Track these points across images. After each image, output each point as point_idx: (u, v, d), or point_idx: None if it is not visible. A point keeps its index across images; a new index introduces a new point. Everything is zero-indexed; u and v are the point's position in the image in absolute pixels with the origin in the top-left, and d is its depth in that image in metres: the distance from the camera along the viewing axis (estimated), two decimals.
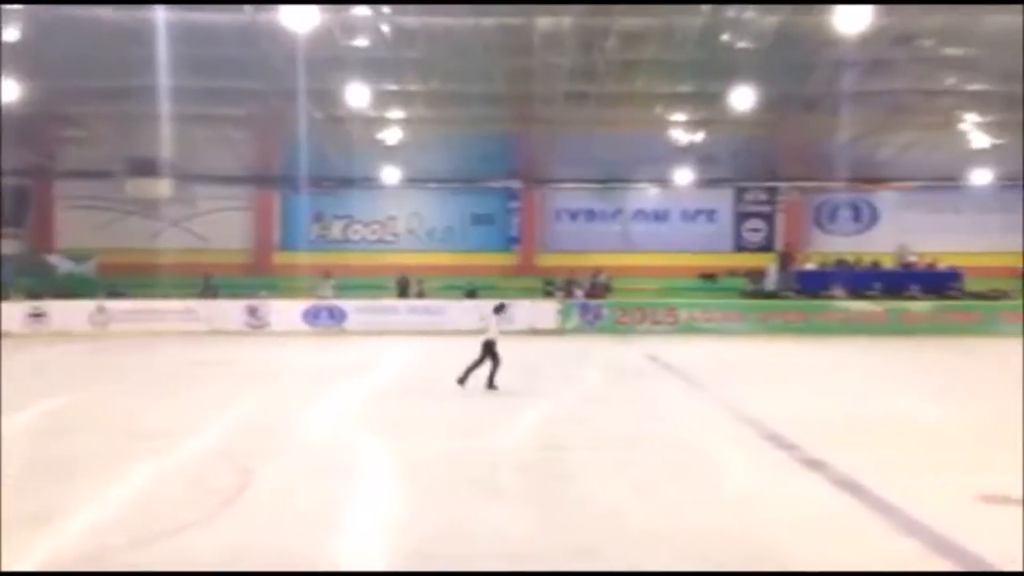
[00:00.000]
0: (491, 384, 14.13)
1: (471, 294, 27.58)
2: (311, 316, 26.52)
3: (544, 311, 26.47)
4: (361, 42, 20.02)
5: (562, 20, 18.69)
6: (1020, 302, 26.18)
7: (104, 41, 20.16)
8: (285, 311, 26.48)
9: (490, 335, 14.46)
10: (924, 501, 7.83)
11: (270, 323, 26.19)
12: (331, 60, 21.52)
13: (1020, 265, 28.21)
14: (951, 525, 7.12)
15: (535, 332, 25.46)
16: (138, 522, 7.16)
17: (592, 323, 26.24)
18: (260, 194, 30.46)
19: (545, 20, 18.83)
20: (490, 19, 18.95)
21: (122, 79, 23.13)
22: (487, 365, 14.26)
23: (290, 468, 9.13)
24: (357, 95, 23.51)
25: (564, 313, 26.43)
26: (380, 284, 28.02)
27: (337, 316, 26.45)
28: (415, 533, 6.97)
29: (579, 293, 27.57)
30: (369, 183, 29.54)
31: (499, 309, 15.12)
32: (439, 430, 11.31)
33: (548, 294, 27.98)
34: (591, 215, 30.99)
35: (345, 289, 27.62)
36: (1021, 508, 7.63)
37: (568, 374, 16.89)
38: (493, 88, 23.96)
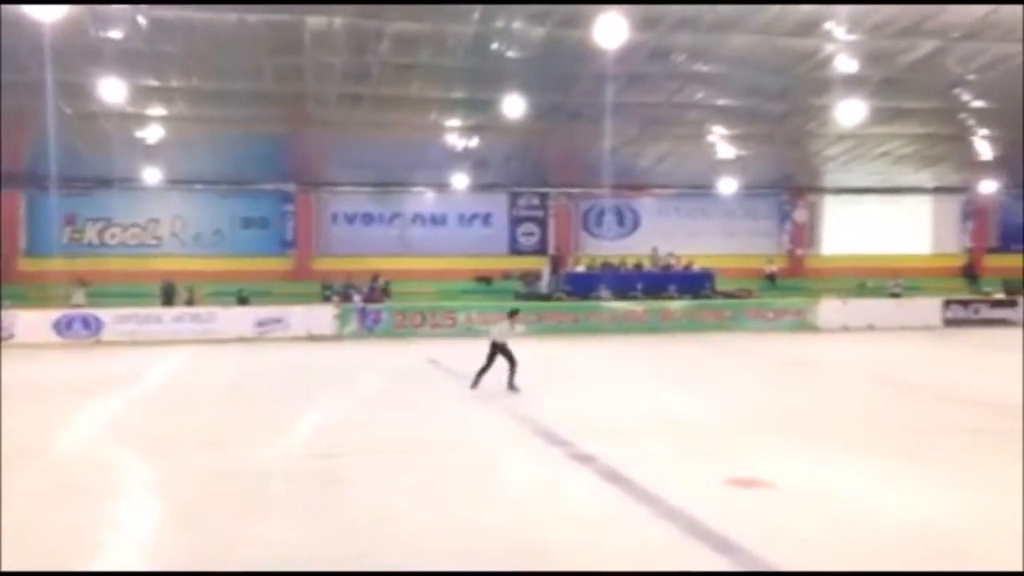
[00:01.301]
0: (511, 385, 14.22)
1: (243, 300, 26.53)
2: (63, 326, 24.44)
3: (321, 317, 25.93)
4: (115, 34, 18.70)
5: (333, 20, 18.38)
6: (764, 300, 28.69)
7: None
8: (32, 322, 24.23)
9: (497, 337, 14.40)
10: (681, 488, 8.35)
11: (14, 335, 23.87)
12: (83, 52, 19.95)
13: (764, 267, 30.96)
14: (705, 509, 7.64)
15: (313, 338, 24.88)
16: None
17: (371, 328, 26.00)
18: (3, 194, 27.71)
19: (315, 19, 18.44)
20: (255, 16, 18.29)
21: None
22: (492, 368, 14.25)
23: (37, 489, 8.37)
24: (112, 90, 21.92)
25: (342, 318, 26.02)
26: (144, 291, 26.30)
27: (92, 326, 24.54)
28: (173, 552, 6.59)
29: (357, 298, 27.24)
30: (128, 184, 27.65)
31: (513, 313, 15.20)
32: (204, 442, 10.73)
33: (326, 299, 27.43)
34: (369, 219, 30.72)
35: (102, 297, 25.69)
36: (766, 489, 8.33)
37: (345, 380, 16.61)
38: (262, 87, 23.15)
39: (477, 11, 18.14)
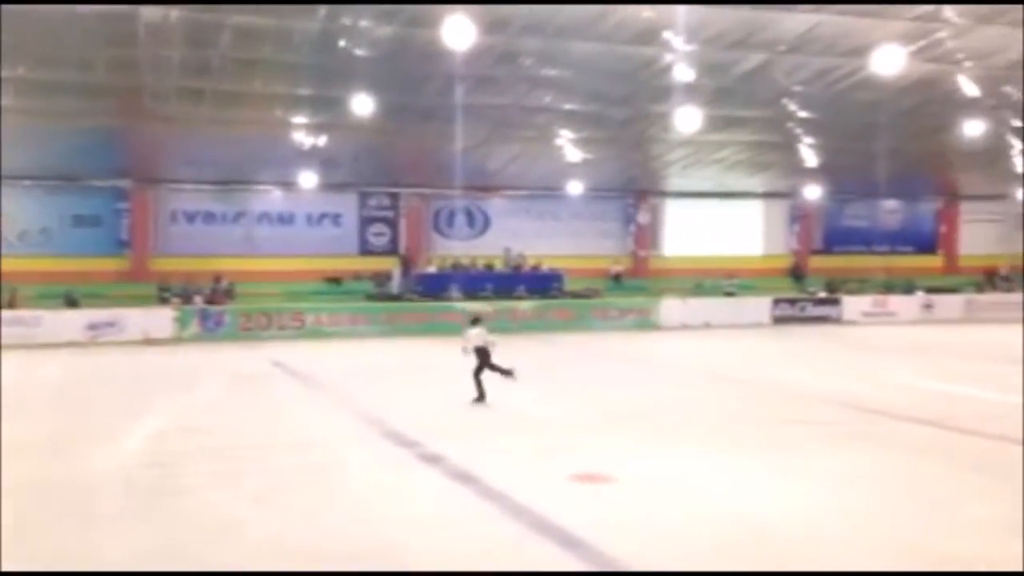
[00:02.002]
0: (508, 373, 13.78)
1: (72, 302, 25.04)
2: None
3: (159, 319, 24.79)
4: None
5: (169, 12, 17.61)
6: (610, 300, 29.55)
7: None
8: None
9: (477, 343, 13.69)
10: (528, 485, 8.51)
11: None
12: None
13: (610, 267, 31.88)
14: (551, 505, 7.81)
15: (149, 342, 23.76)
16: None
17: (213, 330, 25.08)
18: None
19: (150, 11, 17.60)
20: (85, 6, 17.29)
21: None
22: (486, 369, 13.69)
23: None
24: None
25: (181, 321, 24.96)
26: None
27: None
28: None
29: (198, 299, 26.21)
30: None
31: (475, 322, 14.29)
32: (30, 452, 10.07)
33: (163, 301, 26.23)
34: (211, 218, 29.60)
35: None
36: (609, 483, 8.60)
37: (184, 384, 15.95)
38: (95, 78, 21.88)
39: (323, 7, 17.81)
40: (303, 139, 25.94)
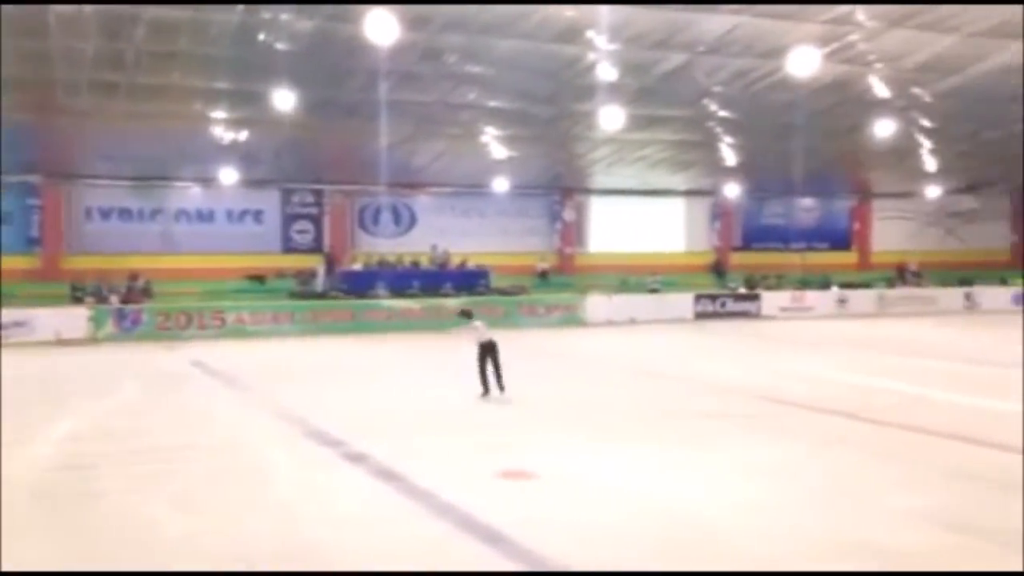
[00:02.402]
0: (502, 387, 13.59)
1: None
2: None
3: (72, 319, 23.96)
4: None
5: (83, 5, 17.06)
6: (536, 296, 29.70)
7: None
8: None
9: (482, 338, 13.54)
10: (454, 483, 8.50)
11: None
12: None
13: (536, 264, 32.04)
14: (476, 502, 7.83)
15: (62, 342, 22.97)
16: None
17: (130, 330, 24.37)
18: None
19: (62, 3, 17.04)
20: None
21: None
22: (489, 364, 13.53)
23: None
24: None
25: (96, 320, 24.20)
26: None
27: None
28: None
29: (114, 298, 25.45)
30: None
31: (469, 315, 14.21)
32: None
33: (77, 300, 25.40)
34: (127, 214, 28.77)
35: None
36: (534, 479, 8.65)
37: (99, 386, 15.50)
38: (3, 71, 21.03)
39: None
40: (223, 134, 25.41)
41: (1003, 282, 34.65)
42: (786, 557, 6.45)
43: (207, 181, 28.39)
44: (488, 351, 13.57)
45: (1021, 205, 37.35)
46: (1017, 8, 18.83)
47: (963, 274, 34.69)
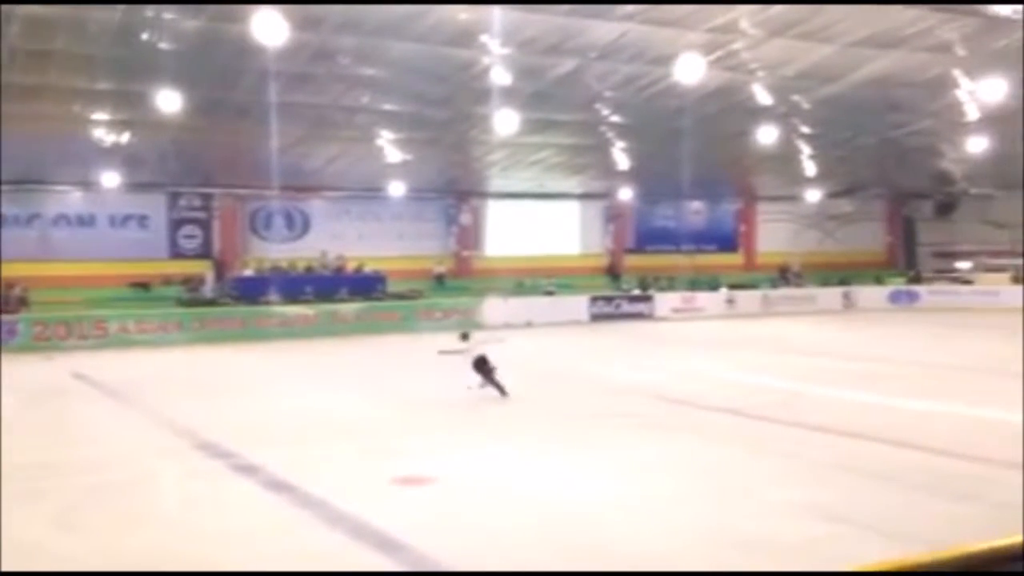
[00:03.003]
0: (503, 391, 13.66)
1: None
2: None
3: None
4: None
5: None
6: (433, 300, 29.62)
7: None
8: None
9: (475, 352, 13.73)
10: (349, 491, 8.41)
11: None
12: None
13: (433, 268, 31.96)
14: (371, 510, 7.76)
15: None
16: None
17: (5, 341, 23.14)
18: None
19: None
20: None
21: None
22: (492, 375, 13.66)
23: None
24: None
25: None
26: None
27: None
28: None
29: None
30: None
31: (466, 337, 14.25)
32: None
33: None
34: (1, 220, 27.34)
35: None
36: (430, 484, 8.63)
37: None
38: None
39: None
40: (104, 136, 24.43)
41: (878, 281, 36.43)
42: (671, 551, 6.63)
43: (88, 185, 27.26)
44: (478, 367, 13.67)
45: (894, 208, 39.32)
46: (890, 19, 19.86)
47: (841, 274, 36.33)
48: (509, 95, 21.88)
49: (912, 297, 34.70)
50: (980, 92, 23.18)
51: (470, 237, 33.51)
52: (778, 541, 6.78)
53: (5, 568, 6.25)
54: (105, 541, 7.09)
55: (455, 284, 31.86)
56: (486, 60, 20.81)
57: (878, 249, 39.80)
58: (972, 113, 25.52)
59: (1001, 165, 31.88)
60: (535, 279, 32.09)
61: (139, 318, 25.13)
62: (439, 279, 31.89)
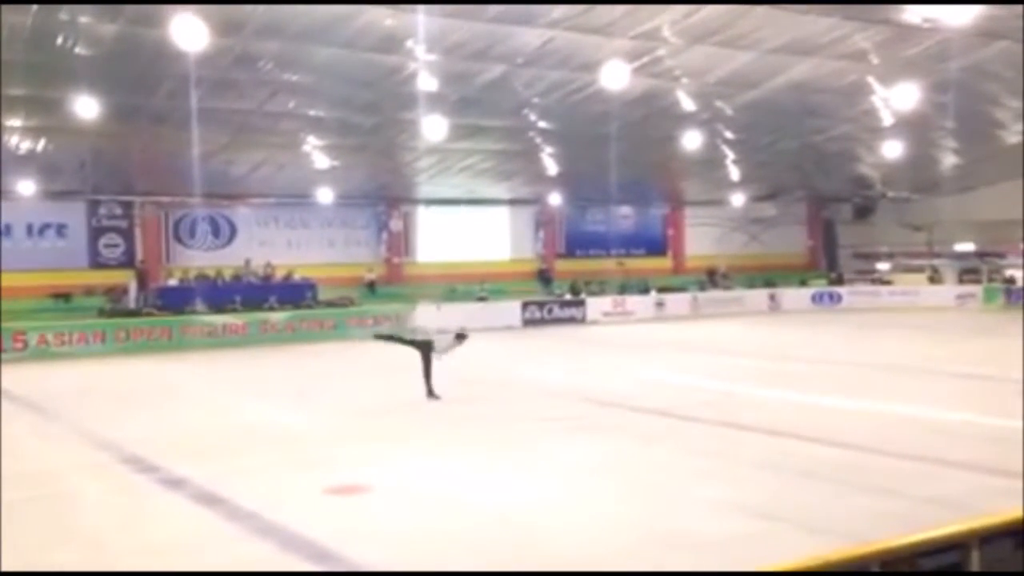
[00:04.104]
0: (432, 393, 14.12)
1: None
2: None
3: None
4: None
5: None
6: (365, 308, 29.37)
7: None
8: None
9: (437, 346, 14.26)
10: (279, 502, 8.30)
11: None
12: None
13: (364, 275, 31.70)
14: (302, 520, 7.68)
15: None
16: None
17: None
18: None
19: None
20: None
21: None
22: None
23: None
24: None
25: None
26: None
27: None
28: None
29: None
30: None
31: (461, 337, 14.67)
32: None
33: None
34: None
35: None
36: (363, 493, 8.56)
37: None
38: None
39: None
40: (19, 143, 23.67)
41: (802, 283, 37.37)
42: (605, 552, 6.70)
43: (3, 193, 26.34)
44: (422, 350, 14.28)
45: (815, 211, 40.40)
46: (807, 27, 20.42)
47: (767, 276, 37.17)
48: (437, 101, 21.85)
49: (834, 298, 35.68)
50: (894, 99, 23.98)
51: (401, 244, 33.35)
52: (704, 538, 6.92)
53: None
54: (30, 559, 6.86)
55: (387, 291, 31.68)
56: (412, 66, 20.75)
57: (801, 251, 40.82)
58: (887, 119, 26.43)
59: (916, 169, 33.09)
60: (467, 285, 32.08)
61: (59, 330, 24.37)
62: (370, 286, 31.66)
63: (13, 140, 23.45)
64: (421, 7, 17.53)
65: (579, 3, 18.48)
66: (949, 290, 34.72)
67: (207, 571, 6.26)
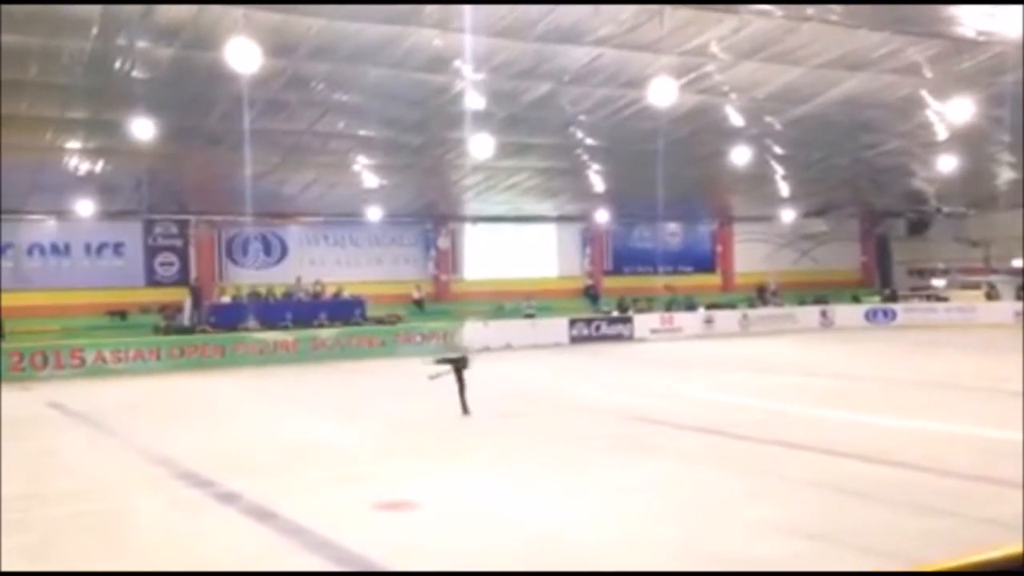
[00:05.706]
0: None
1: None
2: None
3: None
4: None
5: None
6: (413, 324, 29.59)
7: None
8: None
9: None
10: (329, 517, 8.37)
11: None
12: None
13: (412, 292, 31.94)
14: (352, 536, 7.74)
15: None
16: None
17: None
18: None
19: None
20: None
21: None
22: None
23: None
24: None
25: None
26: None
27: None
28: None
29: None
30: None
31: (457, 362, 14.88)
32: None
33: None
34: None
35: None
36: (412, 509, 8.61)
37: None
38: None
39: (95, 27, 16.79)
40: (78, 165, 24.35)
41: (855, 300, 36.78)
42: (652, 570, 6.64)
43: (62, 213, 27.15)
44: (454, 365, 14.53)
45: (868, 227, 39.78)
46: (857, 41, 20.18)
47: (818, 293, 36.65)
48: (484, 119, 22.01)
49: (888, 315, 35.05)
50: (948, 112, 23.56)
51: (448, 261, 33.55)
52: (755, 558, 6.82)
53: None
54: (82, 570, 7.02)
55: (434, 308, 31.86)
56: (460, 85, 20.94)
57: (853, 267, 40.20)
58: (941, 133, 25.96)
59: (972, 184, 32.43)
60: (514, 302, 32.13)
61: (116, 347, 24.95)
62: (418, 303, 31.87)
63: (73, 162, 24.13)
64: (468, 27, 17.69)
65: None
66: (1008, 307, 33.83)
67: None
